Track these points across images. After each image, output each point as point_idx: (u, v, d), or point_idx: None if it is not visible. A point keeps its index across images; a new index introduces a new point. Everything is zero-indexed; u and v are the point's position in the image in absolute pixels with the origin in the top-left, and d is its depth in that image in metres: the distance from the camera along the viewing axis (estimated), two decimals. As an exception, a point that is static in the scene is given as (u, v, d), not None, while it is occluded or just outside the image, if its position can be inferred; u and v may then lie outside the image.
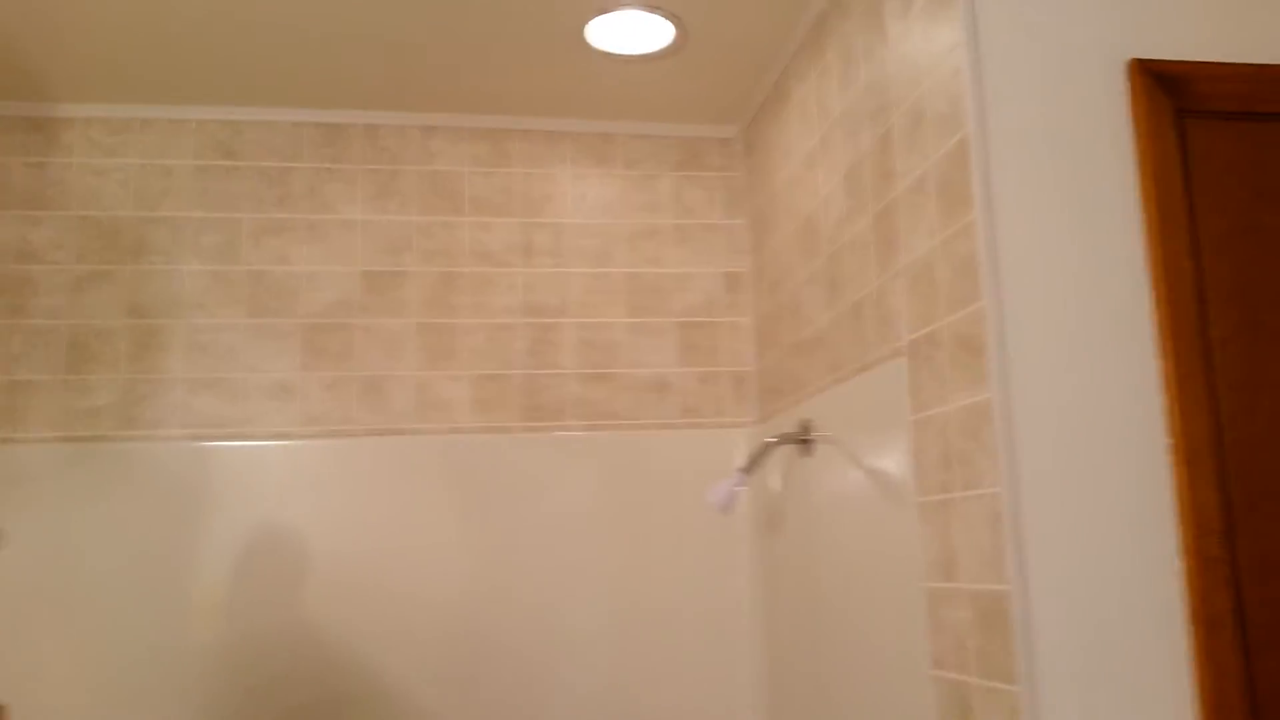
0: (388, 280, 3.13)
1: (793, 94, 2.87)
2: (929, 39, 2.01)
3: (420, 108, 3.20)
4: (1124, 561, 1.75)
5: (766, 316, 3.14)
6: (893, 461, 2.16)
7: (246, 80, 2.99)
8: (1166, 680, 1.73)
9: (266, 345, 3.03)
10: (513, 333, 3.17)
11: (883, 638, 2.21)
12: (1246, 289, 1.90)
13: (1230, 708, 1.73)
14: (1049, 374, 1.81)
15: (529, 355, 3.17)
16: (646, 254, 3.28)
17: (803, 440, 2.67)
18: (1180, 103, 1.93)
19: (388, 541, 2.96)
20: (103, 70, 2.90)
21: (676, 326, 3.25)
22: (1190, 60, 1.92)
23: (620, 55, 2.90)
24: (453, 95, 3.12)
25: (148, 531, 2.86)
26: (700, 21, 2.74)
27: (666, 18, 2.69)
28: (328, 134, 3.19)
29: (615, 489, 3.10)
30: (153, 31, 2.71)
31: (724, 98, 3.19)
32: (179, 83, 2.99)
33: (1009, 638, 1.72)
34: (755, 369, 3.26)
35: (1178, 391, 1.80)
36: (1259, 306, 1.90)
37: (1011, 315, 1.81)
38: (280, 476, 2.94)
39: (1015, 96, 1.87)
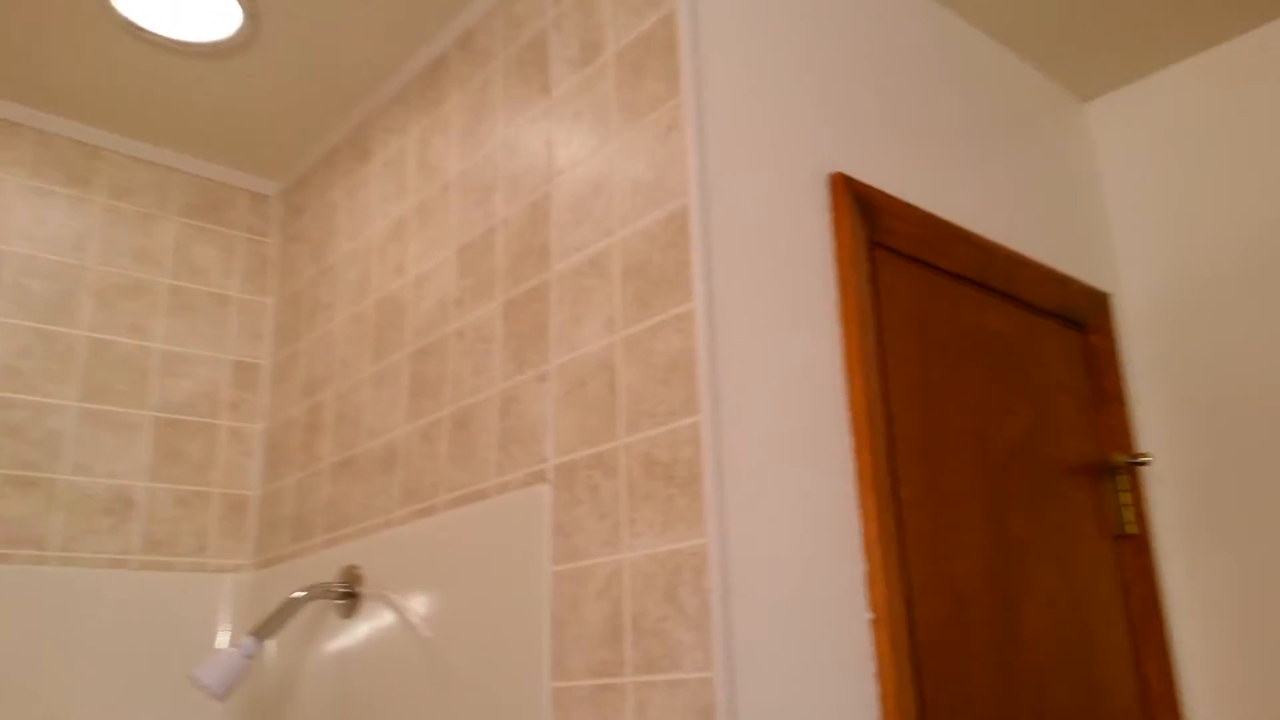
0: None
1: (379, 147, 2.28)
2: (624, 104, 1.62)
3: None
4: (836, 772, 1.36)
5: (286, 425, 2.37)
6: (511, 631, 1.57)
7: None
8: None
9: None
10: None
11: None
12: (927, 449, 1.71)
13: None
14: (767, 518, 1.41)
15: (-102, 435, 2.01)
16: (124, 317, 2.34)
17: (346, 595, 1.94)
18: (872, 233, 1.75)
19: None
20: None
21: (153, 423, 2.32)
22: (881, 190, 1.76)
23: (149, 35, 2.08)
24: None
25: None
26: (280, 21, 2.06)
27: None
28: None
29: (32, 648, 2.01)
30: None
31: (277, 138, 2.47)
32: None
33: None
34: (260, 493, 2.43)
35: (879, 556, 1.50)
36: (937, 469, 1.72)
37: (730, 438, 1.40)
38: None
39: (733, 188, 1.53)
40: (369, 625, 1.87)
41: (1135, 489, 2.08)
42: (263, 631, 1.86)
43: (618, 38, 1.66)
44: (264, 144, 2.48)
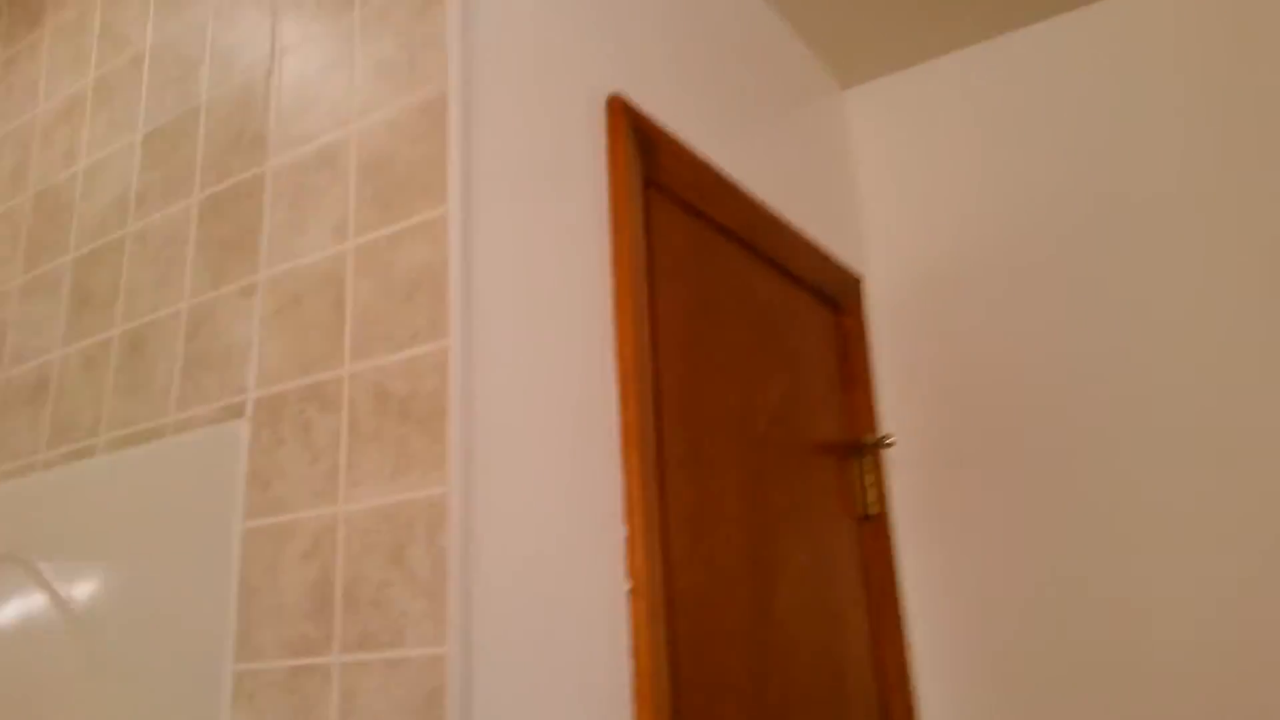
0: None
1: (53, 9, 1.84)
2: (384, -44, 1.34)
3: None
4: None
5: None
6: (187, 603, 1.24)
7: None
8: None
9: None
10: None
11: None
12: (691, 410, 1.56)
13: None
14: (520, 468, 1.19)
15: None
16: None
17: (-41, 560, 1.50)
18: (649, 170, 1.58)
19: None
20: None
21: None
22: (660, 126, 1.60)
23: None
24: None
25: None
26: None
27: None
28: None
29: None
30: None
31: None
32: None
33: None
34: None
35: (641, 520, 1.32)
36: (701, 433, 1.57)
37: (483, 371, 1.16)
38: None
39: (500, 84, 1.30)
40: (-12, 600, 1.46)
41: (878, 471, 2.05)
42: None
43: (374, -107, 1.39)
44: (-108, -8, 1.95)
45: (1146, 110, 2.04)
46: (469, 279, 1.17)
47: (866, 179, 2.36)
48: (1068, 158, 2.10)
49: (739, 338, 1.74)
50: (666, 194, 1.62)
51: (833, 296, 2.13)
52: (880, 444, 2.03)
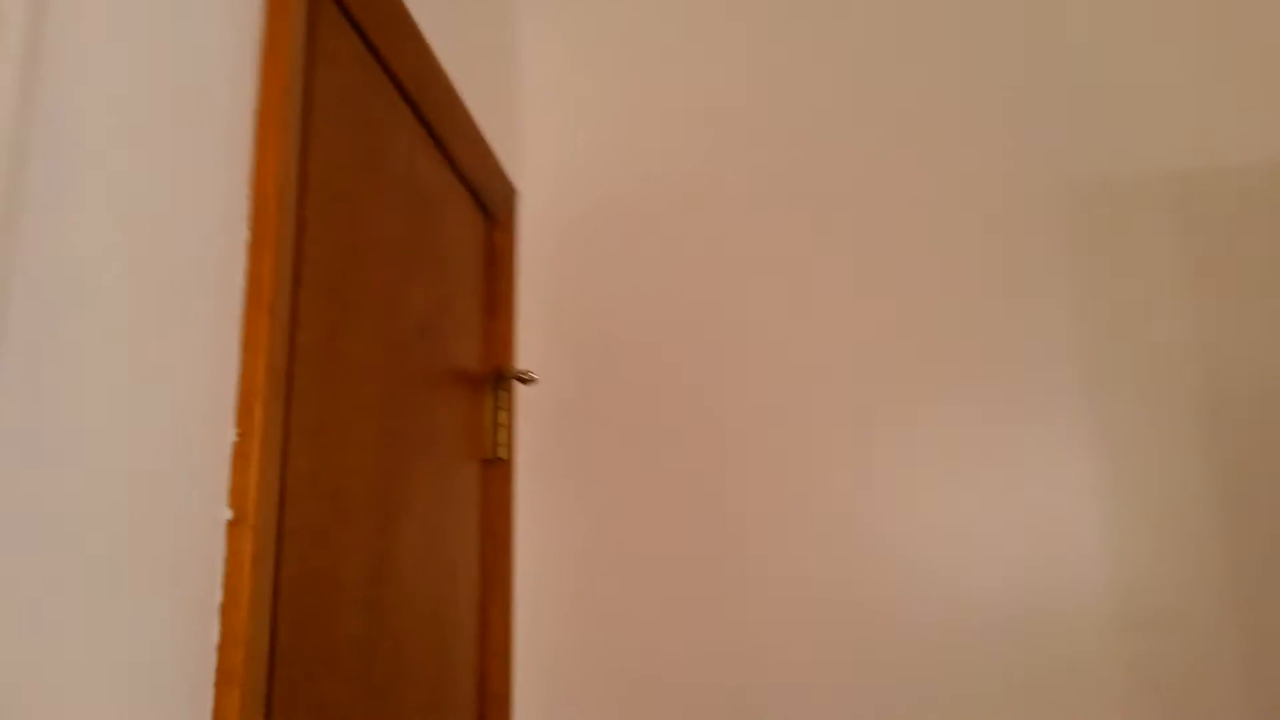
0: None
1: None
2: None
3: None
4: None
5: None
6: None
7: None
8: None
9: None
10: None
11: None
12: (336, 293, 1.18)
13: None
14: (91, 299, 0.76)
15: None
16: None
17: None
18: (325, -37, 1.17)
19: None
20: None
21: None
22: (347, -87, 1.20)
23: None
24: None
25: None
26: None
27: None
28: None
29: None
30: None
31: None
32: None
33: None
34: None
35: (260, 421, 0.94)
36: (342, 324, 1.19)
37: (64, 130, 0.72)
38: None
39: None
40: None
41: (511, 410, 1.80)
42: None
43: None
44: None
45: (822, 36, 2.00)
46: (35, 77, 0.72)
47: (531, 84, 2.10)
48: (740, 88, 2.00)
49: (396, 220, 1.38)
50: (339, 11, 1.22)
51: (489, 204, 1.83)
52: (522, 379, 1.77)
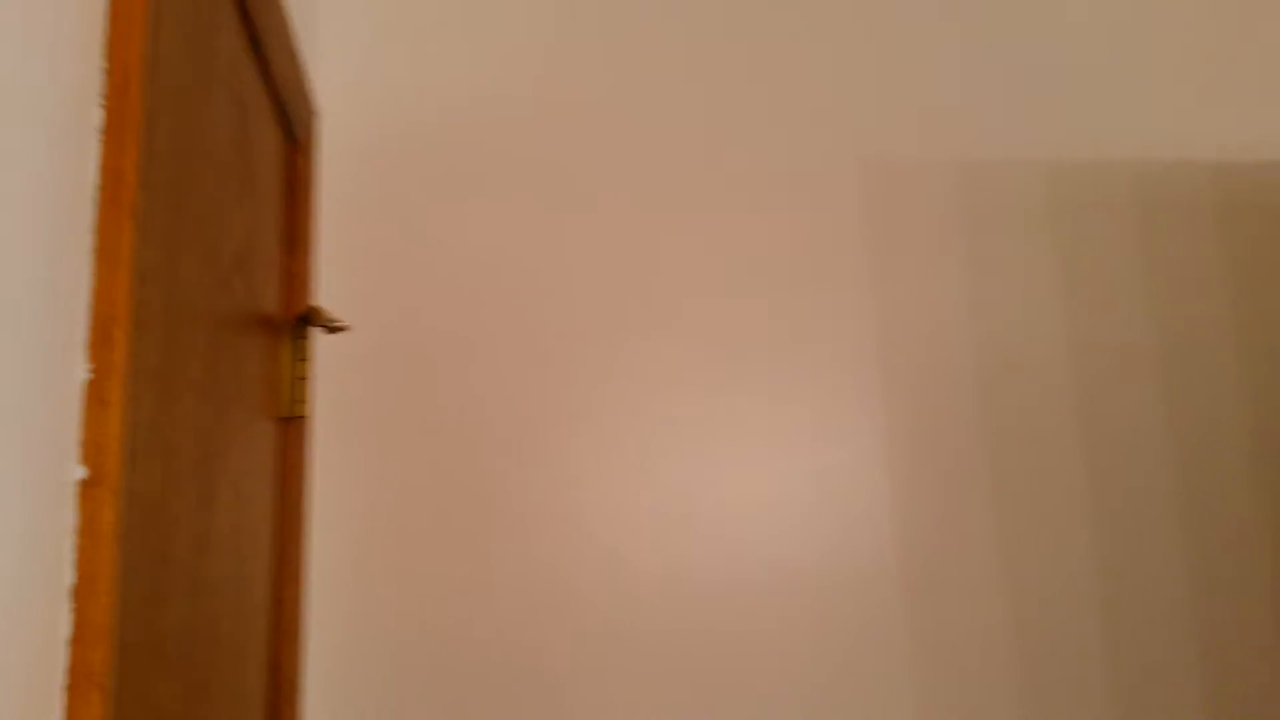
0: None
1: None
2: None
3: None
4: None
5: None
6: None
7: None
8: None
9: None
10: None
11: None
12: (174, 216, 0.96)
13: None
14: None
15: None
16: None
17: None
18: None
19: None
20: None
21: None
22: None
23: None
24: None
25: None
26: None
27: None
28: None
29: None
30: None
31: None
32: None
33: None
34: None
35: (119, 359, 0.74)
36: (178, 251, 0.98)
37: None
38: None
39: None
40: None
41: (309, 362, 1.59)
42: None
43: None
44: None
45: None
46: None
47: (331, 6, 1.87)
48: (556, 7, 1.91)
49: (223, 128, 1.16)
50: None
51: (293, 122, 1.61)
52: (327, 326, 1.57)
